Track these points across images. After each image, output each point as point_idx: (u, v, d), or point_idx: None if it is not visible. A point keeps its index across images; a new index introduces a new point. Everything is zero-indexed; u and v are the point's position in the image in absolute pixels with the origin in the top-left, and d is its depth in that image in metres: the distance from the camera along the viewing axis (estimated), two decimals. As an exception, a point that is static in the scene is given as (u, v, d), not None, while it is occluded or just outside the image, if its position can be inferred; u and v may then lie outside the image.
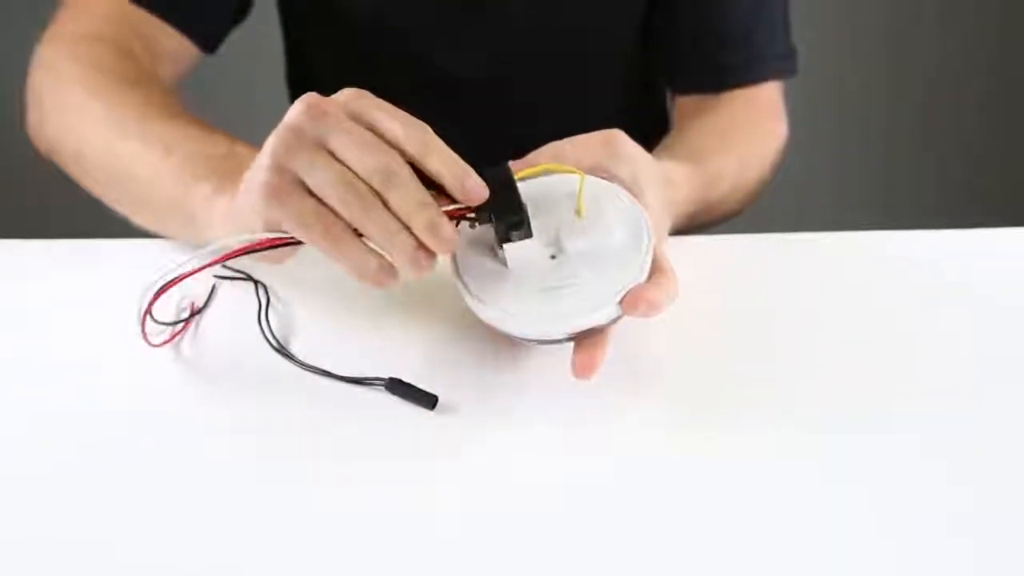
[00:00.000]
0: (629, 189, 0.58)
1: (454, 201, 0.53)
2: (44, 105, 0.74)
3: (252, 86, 1.39)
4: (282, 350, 0.60)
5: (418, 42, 0.89)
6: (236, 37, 0.88)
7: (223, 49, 0.86)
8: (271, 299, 0.63)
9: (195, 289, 0.63)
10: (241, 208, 0.56)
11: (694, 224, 0.76)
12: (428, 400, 0.56)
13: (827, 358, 0.60)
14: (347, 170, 0.52)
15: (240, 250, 0.55)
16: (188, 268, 0.56)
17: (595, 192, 0.57)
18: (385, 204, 0.52)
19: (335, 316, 0.62)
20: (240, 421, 0.57)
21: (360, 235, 0.53)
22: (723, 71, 0.88)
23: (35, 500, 0.53)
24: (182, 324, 0.62)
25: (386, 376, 0.57)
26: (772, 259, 0.68)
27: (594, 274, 0.55)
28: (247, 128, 0.71)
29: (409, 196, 0.52)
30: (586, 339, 0.55)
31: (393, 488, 0.53)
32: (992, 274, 0.66)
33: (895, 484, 0.52)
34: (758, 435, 0.55)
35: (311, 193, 0.53)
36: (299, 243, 0.54)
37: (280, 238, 0.55)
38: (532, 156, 0.58)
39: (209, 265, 0.56)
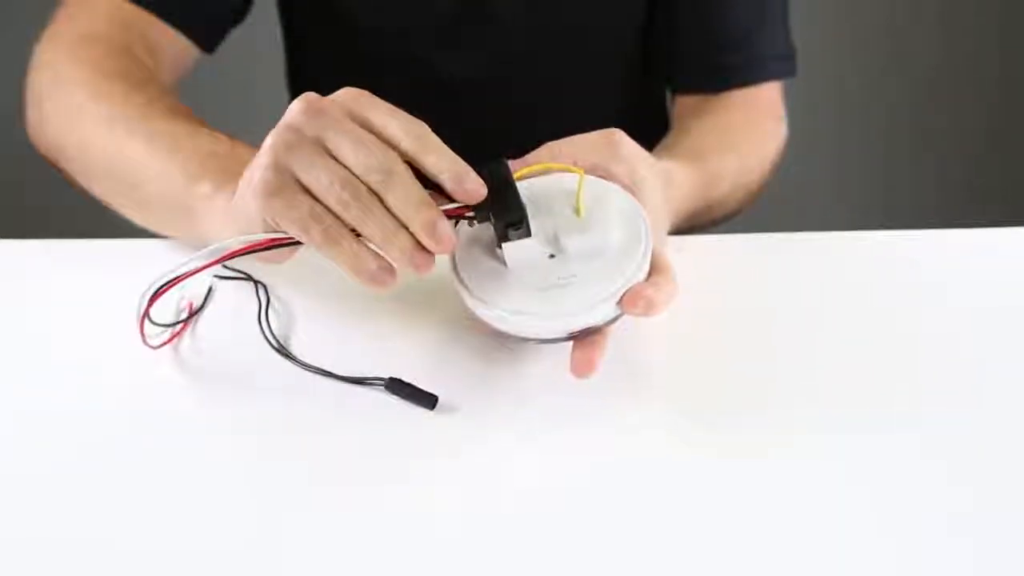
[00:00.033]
0: (628, 188, 0.58)
1: (452, 200, 0.53)
2: (44, 105, 0.74)
3: (252, 86, 1.40)
4: (282, 350, 0.60)
5: (418, 42, 0.89)
6: (236, 37, 0.88)
7: (223, 49, 0.86)
8: (271, 299, 0.63)
9: (193, 289, 0.63)
10: (240, 207, 0.56)
11: (694, 224, 0.76)
12: (428, 400, 0.56)
13: (827, 358, 0.60)
14: (345, 169, 0.52)
15: (239, 250, 0.55)
16: (187, 269, 0.56)
17: (594, 191, 0.57)
18: (383, 203, 0.52)
19: (335, 316, 0.62)
20: (240, 421, 0.57)
21: (359, 235, 0.53)
22: (723, 71, 0.88)
23: (35, 500, 0.53)
24: (180, 325, 0.61)
25: (386, 376, 0.57)
26: (772, 259, 0.68)
27: (593, 273, 0.55)
28: (247, 128, 0.71)
29: (407, 195, 0.52)
30: (585, 338, 0.55)
31: (393, 488, 0.53)
32: (992, 274, 0.66)
33: (895, 484, 0.52)
34: (758, 435, 0.55)
35: (309, 192, 0.53)
36: (298, 243, 0.54)
37: (279, 238, 0.55)
38: (531, 156, 0.58)
39: (208, 266, 0.56)
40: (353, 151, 0.52)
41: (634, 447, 0.55)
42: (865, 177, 1.90)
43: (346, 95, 0.54)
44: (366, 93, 0.55)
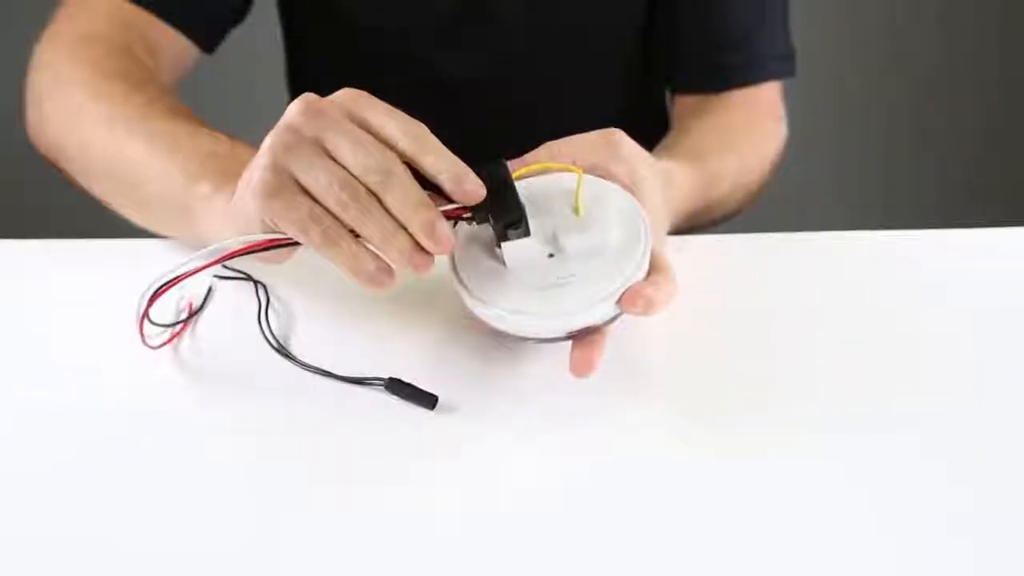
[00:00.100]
0: (628, 188, 0.58)
1: (451, 201, 0.53)
2: (44, 105, 0.74)
3: (252, 86, 1.40)
4: (282, 350, 0.60)
5: (418, 42, 0.89)
6: (236, 37, 0.88)
7: (223, 49, 0.86)
8: (271, 299, 0.63)
9: (193, 289, 0.63)
10: (239, 208, 0.56)
11: (693, 224, 0.76)
12: (428, 400, 0.56)
13: (827, 358, 0.60)
14: (344, 170, 0.52)
15: (238, 251, 0.55)
16: (186, 269, 0.56)
17: (593, 191, 0.57)
18: (382, 204, 0.52)
19: (335, 316, 0.62)
20: (240, 421, 0.57)
21: (357, 236, 0.53)
22: (723, 71, 0.88)
23: (35, 500, 0.53)
24: (180, 325, 0.61)
25: (386, 376, 0.57)
26: (772, 259, 0.68)
27: (592, 272, 0.55)
28: (247, 128, 0.71)
29: (406, 196, 0.52)
30: (584, 337, 0.55)
31: (393, 488, 0.53)
32: (992, 274, 0.66)
33: (895, 484, 0.52)
34: (758, 435, 0.55)
35: (308, 193, 0.53)
36: (297, 244, 0.54)
37: (278, 238, 0.55)
38: (530, 156, 0.58)
39: (207, 266, 0.56)
40: (352, 152, 0.52)
41: (634, 447, 0.55)
42: (865, 177, 1.90)
43: (345, 96, 0.54)
44: (364, 94, 0.55)
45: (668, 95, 0.96)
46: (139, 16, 0.79)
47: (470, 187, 0.53)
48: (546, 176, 0.57)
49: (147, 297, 0.57)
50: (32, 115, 0.76)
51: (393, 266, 0.53)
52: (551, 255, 0.56)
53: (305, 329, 0.62)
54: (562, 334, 0.55)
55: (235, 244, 0.55)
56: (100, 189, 0.71)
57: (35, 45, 0.77)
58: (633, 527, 0.50)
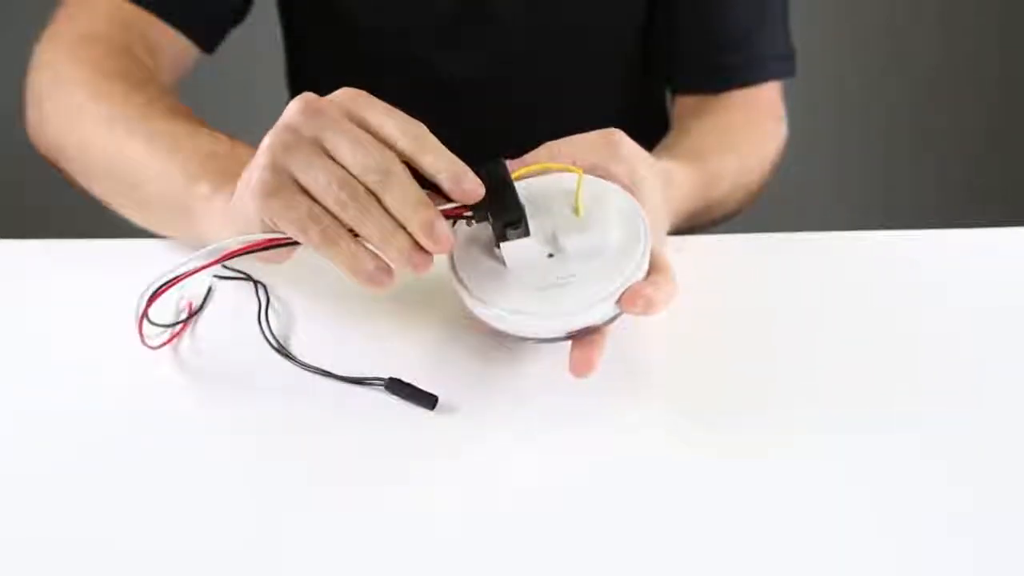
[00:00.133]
0: (628, 188, 0.58)
1: (450, 200, 0.53)
2: (44, 105, 0.74)
3: (252, 86, 1.40)
4: (282, 350, 0.60)
5: (418, 42, 0.89)
6: (236, 37, 0.88)
7: (223, 49, 0.86)
8: (271, 299, 0.63)
9: (193, 289, 0.63)
10: (238, 208, 0.56)
11: (693, 224, 0.76)
12: (428, 400, 0.56)
13: (827, 358, 0.60)
14: (343, 170, 0.52)
15: (237, 251, 0.55)
16: (185, 269, 0.56)
17: (593, 190, 0.57)
18: (381, 204, 0.52)
19: (335, 316, 0.62)
20: (240, 421, 0.57)
21: (357, 235, 0.53)
22: (723, 71, 0.88)
23: (34, 500, 0.53)
24: (180, 325, 0.61)
25: (386, 376, 0.57)
26: (772, 259, 0.68)
27: (592, 272, 0.55)
28: (247, 128, 0.71)
29: (405, 196, 0.52)
30: (584, 337, 0.55)
31: (393, 488, 0.53)
32: (992, 274, 0.66)
33: (895, 484, 0.52)
34: (758, 435, 0.55)
35: (307, 193, 0.53)
36: (297, 243, 0.54)
37: (278, 238, 0.55)
38: (529, 156, 0.58)
39: (206, 267, 0.56)
40: (351, 151, 0.52)
41: (633, 447, 0.55)
42: (865, 177, 1.90)
43: (344, 95, 0.54)
44: (363, 93, 0.55)
45: (668, 95, 0.96)
46: (139, 16, 0.79)
47: (469, 186, 0.53)
48: (546, 176, 0.57)
49: (146, 297, 0.57)
50: (32, 115, 0.76)
51: (392, 265, 0.53)
52: (551, 255, 0.56)
53: (305, 329, 0.62)
54: (562, 334, 0.55)
55: (234, 244, 0.55)
56: (100, 189, 0.71)
57: (35, 45, 0.77)
58: (633, 527, 0.50)
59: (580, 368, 0.55)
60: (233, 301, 0.63)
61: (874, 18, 1.92)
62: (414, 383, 0.57)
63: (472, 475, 0.53)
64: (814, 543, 0.50)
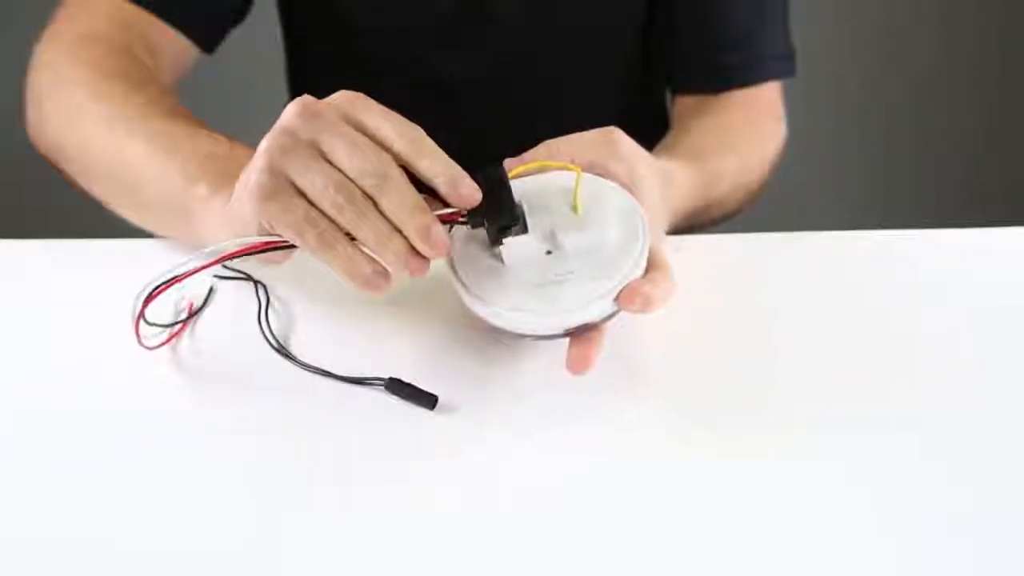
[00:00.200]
0: (627, 187, 0.58)
1: (447, 204, 0.54)
2: (44, 105, 0.74)
3: (252, 86, 1.40)
4: (282, 350, 0.60)
5: (418, 42, 0.89)
6: (236, 37, 0.88)
7: (223, 49, 0.86)
8: (271, 299, 0.63)
9: (194, 290, 0.63)
10: (236, 210, 0.56)
11: (693, 223, 0.76)
12: (428, 400, 0.56)
13: (826, 357, 0.60)
14: (340, 173, 0.52)
15: (235, 253, 0.55)
16: (181, 271, 0.56)
17: (591, 188, 0.57)
18: (377, 207, 0.52)
19: (335, 316, 0.62)
20: (240, 421, 0.57)
21: (353, 239, 0.53)
22: (723, 71, 0.88)
23: (34, 500, 0.53)
24: (179, 326, 0.61)
25: (386, 376, 0.57)
26: (771, 258, 0.68)
27: (590, 270, 0.55)
28: (247, 128, 0.71)
29: (402, 200, 0.52)
30: (581, 335, 0.55)
31: (393, 488, 0.53)
32: (991, 274, 0.66)
33: (895, 484, 0.52)
34: (757, 434, 0.55)
35: (304, 196, 0.53)
36: (294, 246, 0.54)
37: (275, 241, 0.55)
38: (528, 154, 0.58)
39: (203, 268, 0.56)
40: (348, 154, 0.53)
41: (633, 446, 0.55)
42: (865, 177, 1.90)
43: (341, 98, 0.55)
44: (361, 96, 0.55)
45: (668, 95, 0.96)
46: (139, 16, 0.79)
47: (466, 191, 0.53)
48: (545, 174, 0.57)
49: (142, 299, 0.57)
50: (32, 115, 0.76)
51: (389, 269, 0.53)
52: (549, 252, 0.56)
53: (305, 329, 0.62)
54: (560, 331, 0.55)
55: (232, 246, 0.55)
56: (100, 190, 0.71)
57: (35, 45, 0.77)
58: (632, 526, 0.50)
59: (577, 365, 0.55)
60: (233, 301, 0.63)
61: (874, 18, 1.92)
62: (414, 383, 0.57)
63: (472, 475, 0.53)
64: (814, 543, 0.50)
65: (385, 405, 0.57)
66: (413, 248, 0.53)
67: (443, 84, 0.90)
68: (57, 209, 1.21)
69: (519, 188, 0.55)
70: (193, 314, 0.62)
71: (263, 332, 0.61)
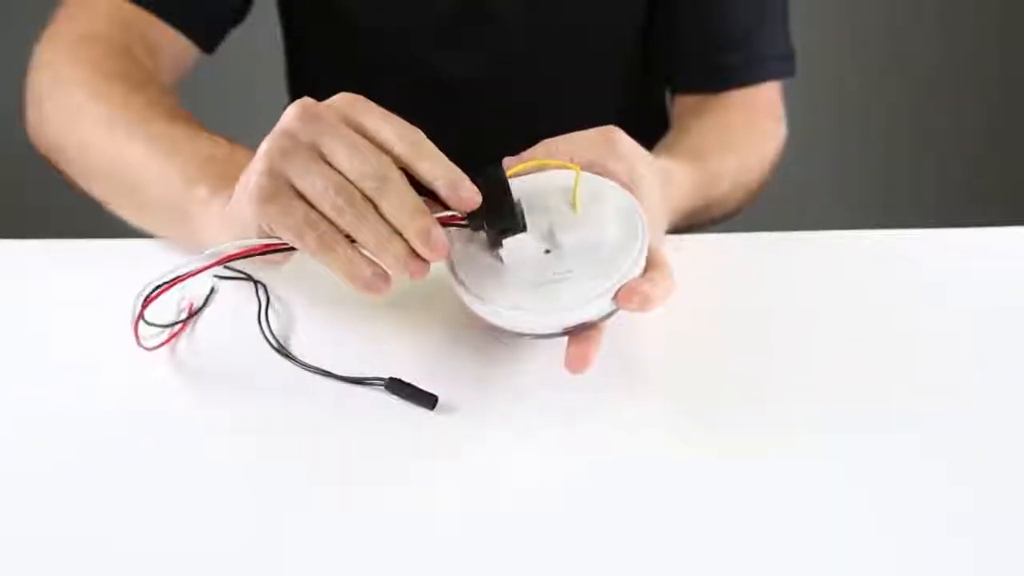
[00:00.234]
0: (626, 186, 0.58)
1: (447, 207, 0.54)
2: (44, 106, 0.74)
3: (252, 86, 1.40)
4: (282, 350, 0.60)
5: (418, 42, 0.89)
6: (236, 37, 0.88)
7: (223, 49, 0.86)
8: (271, 299, 0.63)
9: (195, 290, 0.63)
10: (236, 212, 0.56)
11: (692, 223, 0.76)
12: (428, 400, 0.56)
13: (826, 357, 0.60)
14: (340, 175, 0.53)
15: (234, 255, 0.55)
16: (181, 273, 0.56)
17: (590, 187, 0.57)
18: (378, 210, 0.52)
19: (335, 316, 0.62)
20: (240, 421, 0.57)
21: (353, 241, 0.53)
22: (722, 71, 0.88)
23: (34, 500, 0.53)
24: (178, 326, 0.61)
25: (386, 376, 0.57)
26: (771, 258, 0.68)
27: (588, 268, 0.55)
28: (247, 128, 0.71)
29: (402, 202, 0.52)
30: (580, 333, 0.55)
31: (393, 488, 0.53)
32: (991, 274, 0.66)
33: (895, 484, 0.52)
34: (757, 434, 0.55)
35: (304, 198, 0.53)
36: (294, 248, 0.54)
37: (275, 243, 0.55)
38: (527, 153, 0.59)
39: (202, 270, 0.56)
40: (348, 157, 0.53)
41: (633, 446, 0.55)
42: (865, 177, 1.90)
43: (341, 100, 0.55)
44: (361, 98, 0.55)
45: (668, 95, 0.96)
46: (139, 16, 0.79)
47: (466, 194, 0.53)
48: (544, 173, 0.57)
49: (141, 299, 0.57)
50: (32, 115, 0.76)
51: (389, 272, 0.53)
52: (548, 251, 0.56)
53: (305, 329, 0.62)
54: (558, 330, 0.55)
55: (231, 248, 0.55)
56: (100, 191, 0.71)
57: (35, 45, 0.77)
58: (632, 526, 0.50)
59: (576, 364, 0.55)
60: (233, 301, 0.63)
61: (874, 18, 1.92)
62: (414, 383, 0.57)
63: (472, 475, 0.53)
64: (814, 543, 0.50)
65: (385, 405, 0.57)
66: (413, 251, 0.53)
67: (443, 84, 0.90)
68: (57, 209, 1.21)
69: (518, 187, 0.55)
70: (193, 314, 0.62)
71: (263, 332, 0.61)
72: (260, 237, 0.55)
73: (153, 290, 0.56)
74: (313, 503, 0.52)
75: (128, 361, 0.59)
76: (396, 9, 0.88)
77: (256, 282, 0.64)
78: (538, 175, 0.57)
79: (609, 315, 0.55)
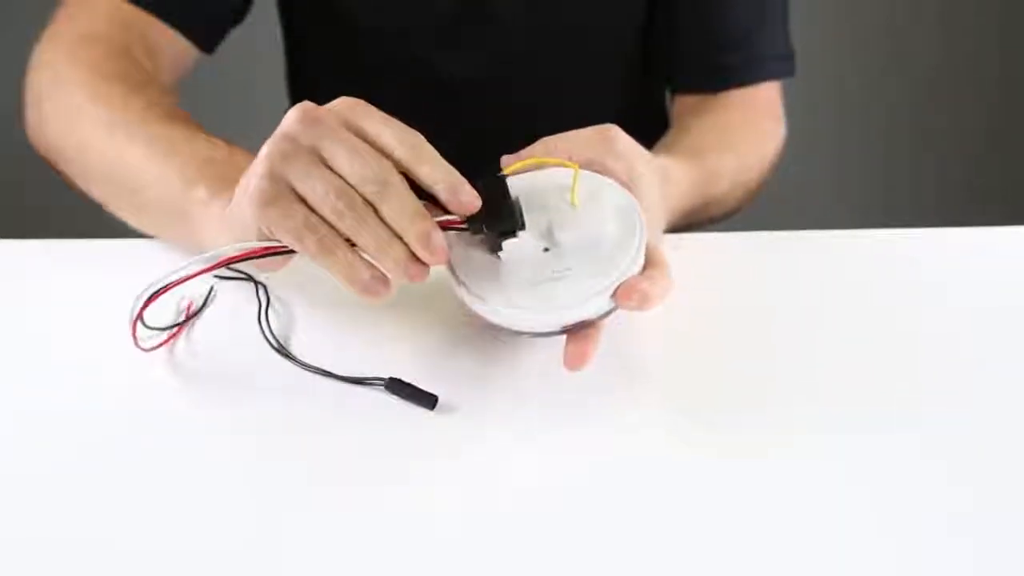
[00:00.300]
0: (625, 185, 0.58)
1: (446, 211, 0.54)
2: (43, 106, 0.74)
3: (252, 86, 1.40)
4: (282, 350, 0.60)
5: (418, 43, 0.89)
6: (236, 37, 0.88)
7: (223, 49, 0.86)
8: (271, 299, 0.63)
9: (194, 290, 0.63)
10: (236, 215, 0.56)
11: (691, 222, 0.76)
12: (428, 400, 0.56)
13: (826, 357, 0.60)
14: (340, 179, 0.53)
15: (234, 258, 0.55)
16: (180, 275, 0.56)
17: (589, 185, 0.57)
18: (378, 214, 0.53)
19: (335, 316, 0.62)
20: (240, 421, 0.57)
21: (353, 244, 0.53)
22: (722, 71, 0.88)
23: (34, 500, 0.53)
24: (176, 328, 0.61)
25: (386, 376, 0.57)
26: (771, 257, 0.68)
27: (587, 267, 0.55)
28: (247, 129, 0.71)
29: (402, 206, 0.52)
30: (579, 331, 0.55)
31: (393, 488, 0.53)
32: (992, 273, 0.66)
33: (895, 484, 0.52)
34: (757, 434, 0.55)
35: (304, 202, 0.53)
36: (293, 251, 0.54)
37: (274, 246, 0.55)
38: (525, 151, 0.59)
39: (202, 272, 0.56)
40: (348, 161, 0.53)
41: (632, 446, 0.55)
42: (865, 177, 1.90)
43: (342, 104, 0.55)
44: (361, 102, 0.55)
45: (668, 95, 0.96)
46: (138, 16, 0.79)
47: (466, 198, 0.53)
48: (542, 171, 0.57)
49: (141, 301, 0.57)
50: (31, 115, 0.76)
51: (388, 275, 0.53)
52: (546, 249, 0.56)
53: (305, 329, 0.62)
54: (556, 328, 0.56)
55: (231, 251, 0.55)
56: (99, 192, 0.71)
57: (35, 45, 0.77)
58: (632, 526, 0.50)
59: (574, 362, 0.55)
60: (233, 301, 0.63)
61: (874, 18, 1.92)
62: (414, 383, 0.57)
63: (472, 475, 0.53)
64: (814, 543, 0.50)
65: (385, 405, 0.57)
66: (413, 254, 0.53)
67: (443, 84, 0.90)
68: (57, 209, 1.21)
69: (516, 185, 0.55)
70: (193, 314, 0.62)
71: (263, 332, 0.61)
72: (260, 240, 0.55)
73: (152, 293, 0.56)
74: (313, 503, 0.52)
75: (128, 361, 0.59)
76: (396, 9, 0.88)
77: (256, 282, 0.64)
78: (537, 173, 0.57)
79: (608, 313, 0.55)
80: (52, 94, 0.74)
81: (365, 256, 0.53)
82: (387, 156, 0.53)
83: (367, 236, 0.52)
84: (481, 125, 0.85)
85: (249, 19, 0.88)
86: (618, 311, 0.55)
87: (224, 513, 0.52)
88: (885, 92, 1.91)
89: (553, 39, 0.90)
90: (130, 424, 0.56)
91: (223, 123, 0.69)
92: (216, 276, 0.64)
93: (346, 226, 0.52)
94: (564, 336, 0.56)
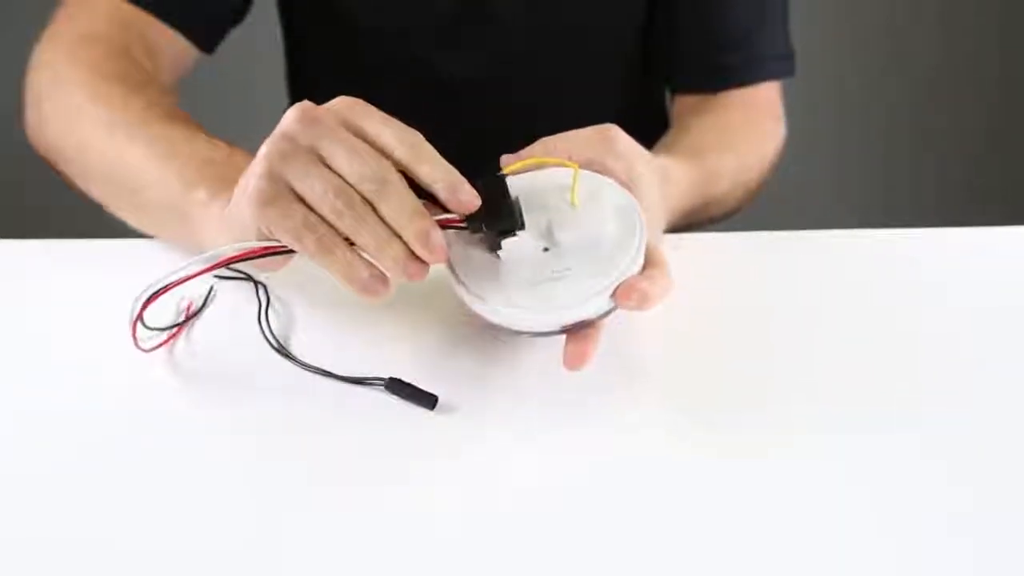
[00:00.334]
0: (625, 184, 0.58)
1: (445, 210, 0.54)
2: (43, 106, 0.74)
3: (252, 86, 1.40)
4: (282, 350, 0.60)
5: (418, 43, 0.89)
6: (236, 37, 0.88)
7: (223, 49, 0.86)
8: (271, 299, 0.63)
9: (194, 290, 0.63)
10: (235, 215, 0.56)
11: (691, 221, 0.76)
12: (428, 400, 0.56)
13: (826, 357, 0.60)
14: (339, 178, 0.53)
15: (234, 257, 0.55)
16: (180, 276, 0.56)
17: (588, 185, 0.57)
18: (377, 213, 0.53)
19: (335, 316, 0.62)
20: (240, 421, 0.57)
21: (352, 244, 0.53)
22: (722, 71, 0.88)
23: (34, 500, 0.53)
24: (176, 328, 0.61)
25: (386, 376, 0.57)
26: (770, 257, 0.68)
27: (586, 267, 0.55)
28: (247, 129, 0.71)
29: (401, 205, 0.52)
30: (578, 331, 0.55)
31: (393, 488, 0.53)
32: (992, 273, 0.66)
33: (895, 484, 0.52)
34: (757, 434, 0.55)
35: (303, 201, 0.53)
36: (293, 251, 0.54)
37: (274, 246, 0.55)
38: (525, 151, 0.59)
39: (201, 273, 0.56)
40: (347, 160, 0.53)
41: (632, 446, 0.55)
42: (865, 177, 1.90)
43: (341, 103, 0.55)
44: (360, 102, 0.55)
45: (668, 95, 0.96)
46: (138, 16, 0.79)
47: (465, 197, 0.53)
48: (542, 171, 0.57)
49: (140, 302, 0.57)
50: (31, 115, 0.76)
51: (387, 274, 0.53)
52: (546, 249, 0.56)
53: (305, 329, 0.62)
54: (556, 328, 0.56)
55: (231, 251, 0.55)
56: (98, 192, 0.71)
57: (35, 45, 0.77)
58: (632, 526, 0.50)
59: (573, 361, 0.55)
60: (233, 301, 0.63)
61: (874, 18, 1.92)
62: (414, 383, 0.57)
63: (472, 475, 0.53)
64: (814, 543, 0.50)
65: (385, 405, 0.57)
66: (412, 253, 0.53)
67: (443, 84, 0.90)
68: (57, 209, 1.21)
69: (516, 185, 0.55)
70: (193, 314, 0.62)
71: (263, 332, 0.61)
72: (259, 240, 0.55)
73: (152, 293, 0.56)
74: (313, 503, 0.52)
75: (128, 361, 0.59)
76: (396, 9, 0.88)
77: (256, 282, 0.64)
78: (536, 173, 0.57)
79: (607, 313, 0.55)
80: (52, 94, 0.74)
81: (364, 255, 0.53)
82: (386, 155, 0.53)
83: (366, 235, 0.52)
84: (481, 125, 0.85)
85: (249, 19, 0.88)
86: (618, 311, 0.55)
87: (224, 513, 0.52)
88: (885, 92, 1.91)
89: (553, 39, 0.90)
90: (130, 424, 0.56)
91: (223, 123, 0.69)
92: (216, 276, 0.64)
93: (345, 225, 0.52)
94: (564, 336, 0.56)
